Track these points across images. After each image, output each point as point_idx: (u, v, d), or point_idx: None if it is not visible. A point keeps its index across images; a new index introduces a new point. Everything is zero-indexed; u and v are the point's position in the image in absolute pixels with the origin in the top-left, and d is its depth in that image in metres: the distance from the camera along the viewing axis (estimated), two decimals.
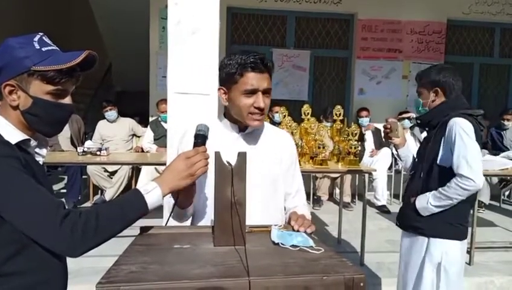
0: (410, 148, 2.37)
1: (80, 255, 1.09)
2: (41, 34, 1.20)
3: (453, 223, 2.11)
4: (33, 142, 1.23)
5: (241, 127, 1.53)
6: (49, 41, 1.20)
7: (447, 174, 2.06)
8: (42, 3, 7.70)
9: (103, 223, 1.10)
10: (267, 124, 1.67)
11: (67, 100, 1.22)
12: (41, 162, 1.27)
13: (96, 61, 1.23)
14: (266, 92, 1.46)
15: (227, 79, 1.47)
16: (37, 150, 1.26)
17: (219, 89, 1.52)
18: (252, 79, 1.43)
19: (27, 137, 1.20)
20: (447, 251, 2.09)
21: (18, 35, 1.18)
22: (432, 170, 2.12)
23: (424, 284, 2.13)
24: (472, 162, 1.96)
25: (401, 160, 2.39)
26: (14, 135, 1.17)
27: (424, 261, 2.14)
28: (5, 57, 1.14)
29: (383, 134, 2.38)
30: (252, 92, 1.44)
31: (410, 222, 2.20)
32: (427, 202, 2.09)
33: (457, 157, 1.99)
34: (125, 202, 1.18)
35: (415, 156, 2.33)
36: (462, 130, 2.00)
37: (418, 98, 2.24)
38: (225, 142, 1.50)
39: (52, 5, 8.09)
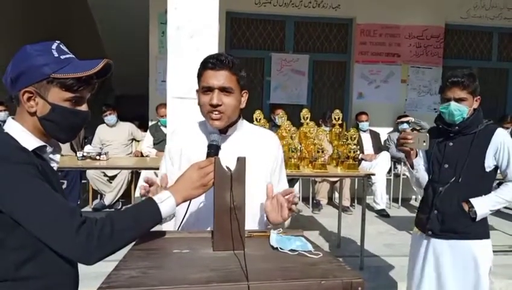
0: (421, 156, 2.32)
1: (94, 263, 1.10)
2: (58, 42, 1.21)
3: (487, 222, 2.25)
4: (49, 149, 1.25)
5: (222, 130, 1.51)
6: (66, 49, 1.21)
7: (488, 179, 2.23)
8: (42, 6, 7.71)
9: (118, 232, 1.11)
10: (251, 125, 1.66)
11: (84, 107, 1.23)
12: (55, 168, 1.28)
13: (111, 69, 1.24)
14: (224, 90, 1.43)
15: (197, 79, 1.50)
16: (51, 156, 1.27)
17: (196, 91, 1.53)
18: (208, 77, 1.44)
19: (43, 143, 1.21)
20: (490, 249, 2.22)
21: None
22: (477, 176, 2.20)
23: (481, 285, 2.18)
24: None
25: (413, 169, 2.30)
26: (31, 142, 1.18)
27: (478, 265, 2.18)
28: (23, 64, 1.15)
29: (395, 143, 2.32)
30: (209, 90, 1.44)
31: (457, 228, 2.20)
32: (488, 209, 2.18)
33: None
34: (139, 211, 1.19)
35: (435, 161, 2.29)
36: (511, 142, 2.18)
37: (460, 104, 2.16)
38: (206, 144, 1.51)
39: (51, 9, 8.11)
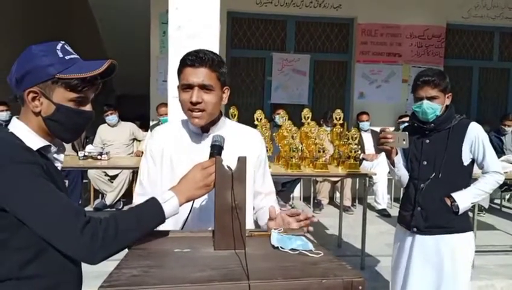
0: (400, 153, 2.37)
1: (99, 262, 1.11)
2: (62, 42, 1.22)
3: (468, 215, 2.32)
4: (53, 148, 1.25)
5: (204, 128, 1.51)
6: (70, 50, 1.22)
7: (467, 172, 2.29)
8: (42, 6, 7.72)
9: (122, 232, 1.12)
10: (234, 123, 1.66)
11: (88, 107, 1.24)
12: (59, 168, 1.29)
13: (116, 69, 1.24)
14: (204, 87, 1.42)
15: (178, 76, 1.49)
16: (55, 155, 1.27)
17: (178, 87, 1.51)
18: (188, 74, 1.43)
19: (48, 143, 1.22)
20: (473, 242, 2.30)
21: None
22: (456, 170, 2.26)
23: (465, 276, 2.26)
24: (498, 160, 2.31)
25: (394, 167, 2.34)
26: (36, 141, 1.18)
27: (462, 257, 2.25)
28: (28, 64, 1.15)
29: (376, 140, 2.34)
30: (189, 87, 1.43)
31: (441, 223, 2.26)
32: (470, 202, 2.25)
33: (490, 158, 2.23)
34: (143, 211, 1.20)
35: (413, 158, 2.34)
36: (485, 135, 2.24)
37: (432, 102, 2.20)
38: (189, 143, 1.52)
39: (52, 9, 8.13)
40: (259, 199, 1.65)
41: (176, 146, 1.53)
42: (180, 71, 1.46)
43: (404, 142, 2.17)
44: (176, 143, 1.54)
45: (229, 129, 1.57)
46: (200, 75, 1.41)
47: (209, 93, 1.43)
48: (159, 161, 1.55)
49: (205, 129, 1.51)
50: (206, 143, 1.47)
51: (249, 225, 1.52)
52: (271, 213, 1.46)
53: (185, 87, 1.44)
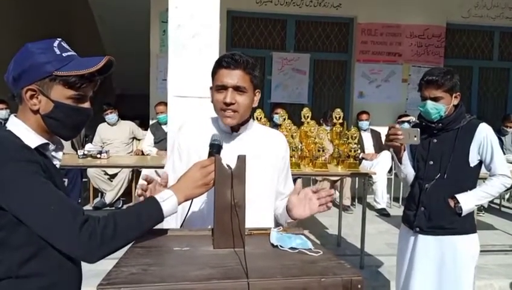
0: (407, 152, 2.37)
1: (97, 261, 1.10)
2: (59, 39, 1.21)
3: (473, 217, 2.30)
4: (52, 146, 1.25)
5: (234, 128, 1.53)
6: (67, 47, 1.21)
7: (473, 174, 2.26)
8: (42, 4, 7.71)
9: (120, 231, 1.12)
10: (260, 125, 1.69)
11: (87, 105, 1.23)
12: (58, 166, 1.28)
13: (113, 66, 1.24)
14: (238, 88, 1.45)
15: (211, 77, 1.52)
16: (53, 153, 1.27)
17: (210, 88, 1.55)
18: (222, 75, 1.46)
19: (46, 141, 1.21)
20: (477, 244, 2.27)
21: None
22: (462, 171, 2.23)
23: (467, 279, 2.23)
24: (506, 163, 2.26)
25: (400, 164, 2.34)
26: (34, 139, 1.18)
27: (465, 259, 2.22)
28: (25, 62, 1.15)
29: (383, 138, 2.31)
30: (223, 88, 1.46)
31: (444, 223, 2.23)
32: (474, 204, 2.22)
33: (498, 160, 2.19)
34: (142, 210, 1.20)
35: (419, 158, 2.32)
36: (494, 137, 2.21)
37: (436, 103, 2.17)
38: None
39: (52, 8, 8.12)
40: (282, 199, 1.67)
41: (204, 143, 1.52)
42: (214, 72, 1.50)
43: (415, 139, 2.13)
44: (204, 140, 1.53)
45: (256, 131, 1.61)
46: (234, 77, 1.44)
47: (242, 95, 1.46)
48: (186, 156, 1.57)
49: (235, 129, 1.54)
50: (235, 142, 1.53)
51: (270, 225, 1.55)
52: (296, 187, 1.52)
53: (219, 88, 1.47)
